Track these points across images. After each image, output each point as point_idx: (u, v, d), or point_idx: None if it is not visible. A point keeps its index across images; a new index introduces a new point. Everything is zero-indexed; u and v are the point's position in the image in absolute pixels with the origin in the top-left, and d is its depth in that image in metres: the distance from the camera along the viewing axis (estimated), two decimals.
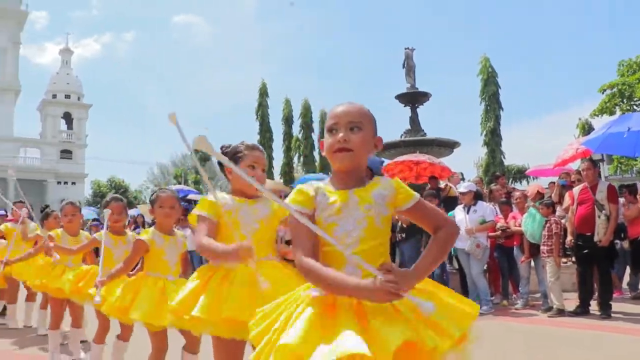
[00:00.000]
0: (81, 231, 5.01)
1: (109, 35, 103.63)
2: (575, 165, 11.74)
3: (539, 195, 8.79)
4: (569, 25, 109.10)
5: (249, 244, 2.11)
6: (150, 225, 6.90)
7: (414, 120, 15.41)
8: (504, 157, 29.78)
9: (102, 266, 3.60)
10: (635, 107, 25.59)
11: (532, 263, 7.60)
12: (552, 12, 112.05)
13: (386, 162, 11.68)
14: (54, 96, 54.88)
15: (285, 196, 2.93)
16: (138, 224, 12.68)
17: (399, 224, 8.06)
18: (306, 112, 34.28)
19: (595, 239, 6.73)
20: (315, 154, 32.95)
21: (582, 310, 6.76)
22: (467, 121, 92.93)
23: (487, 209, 7.82)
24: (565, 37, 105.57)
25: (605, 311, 6.52)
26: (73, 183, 52.83)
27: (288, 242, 3.89)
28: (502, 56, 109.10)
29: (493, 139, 28.98)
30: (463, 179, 11.52)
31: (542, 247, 7.15)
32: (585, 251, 6.86)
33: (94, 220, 13.82)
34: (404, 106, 15.84)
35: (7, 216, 7.97)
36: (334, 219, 1.75)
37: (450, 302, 1.77)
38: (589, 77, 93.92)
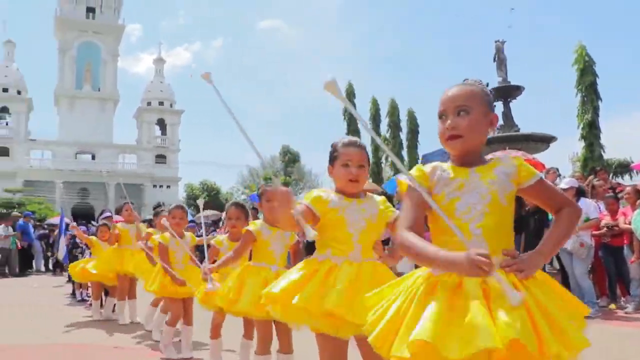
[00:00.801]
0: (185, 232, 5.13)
1: (198, 44, 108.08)
2: None
3: None
4: None
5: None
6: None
7: (507, 115, 14.87)
8: (604, 151, 28.06)
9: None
10: None
11: None
12: None
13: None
14: (149, 104, 57.81)
15: (379, 194, 2.89)
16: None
17: None
18: (393, 111, 33.95)
19: None
20: (404, 153, 32.56)
21: None
22: (561, 114, 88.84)
23: (590, 206, 7.36)
24: None
25: None
26: (168, 186, 55.47)
27: (385, 242, 3.84)
28: (599, 43, 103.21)
29: (591, 132, 27.30)
30: (559, 175, 10.96)
31: None
32: None
33: (190, 222, 14.37)
34: (496, 101, 15.30)
35: (112, 217, 8.45)
36: (456, 194, 1.73)
37: (573, 303, 1.69)
38: None
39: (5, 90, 51.92)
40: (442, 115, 1.78)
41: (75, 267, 7.78)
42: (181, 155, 58.45)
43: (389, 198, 5.29)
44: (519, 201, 2.62)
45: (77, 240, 9.50)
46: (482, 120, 1.77)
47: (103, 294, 7.60)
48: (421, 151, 30.73)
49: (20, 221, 16.49)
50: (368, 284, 2.13)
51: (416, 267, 1.82)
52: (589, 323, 1.71)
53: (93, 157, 53.79)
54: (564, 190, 7.46)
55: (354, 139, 2.51)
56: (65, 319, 7.27)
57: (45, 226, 17.76)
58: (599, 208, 7.71)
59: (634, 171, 20.87)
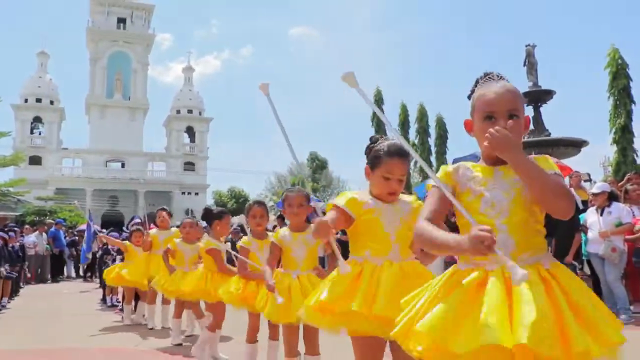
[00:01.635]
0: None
1: (227, 52, 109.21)
2: None
3: None
4: None
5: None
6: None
7: (537, 120, 14.65)
8: (637, 155, 27.39)
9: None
10: None
11: None
12: None
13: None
14: (178, 112, 58.43)
15: None
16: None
17: None
18: (422, 117, 33.75)
19: None
20: (433, 158, 32.32)
21: None
22: (592, 118, 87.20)
23: (623, 210, 7.24)
24: None
25: None
26: (196, 193, 55.93)
27: None
28: (633, 46, 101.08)
29: (624, 136, 26.65)
30: (589, 180, 10.79)
31: None
32: None
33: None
34: (527, 106, 15.10)
35: (143, 224, 8.59)
36: (481, 190, 1.76)
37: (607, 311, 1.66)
38: None
39: (38, 100, 53.10)
40: (491, 117, 1.76)
41: (110, 272, 7.91)
42: (209, 162, 59.09)
43: None
44: None
45: (110, 247, 9.67)
46: (524, 124, 1.81)
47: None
48: (450, 157, 30.49)
49: (52, 228, 16.93)
50: (411, 285, 2.09)
51: (446, 268, 1.85)
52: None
53: (123, 165, 54.65)
54: (595, 195, 7.36)
55: (399, 145, 2.43)
56: (97, 324, 7.42)
57: (76, 233, 18.11)
58: (633, 213, 7.58)
59: None
